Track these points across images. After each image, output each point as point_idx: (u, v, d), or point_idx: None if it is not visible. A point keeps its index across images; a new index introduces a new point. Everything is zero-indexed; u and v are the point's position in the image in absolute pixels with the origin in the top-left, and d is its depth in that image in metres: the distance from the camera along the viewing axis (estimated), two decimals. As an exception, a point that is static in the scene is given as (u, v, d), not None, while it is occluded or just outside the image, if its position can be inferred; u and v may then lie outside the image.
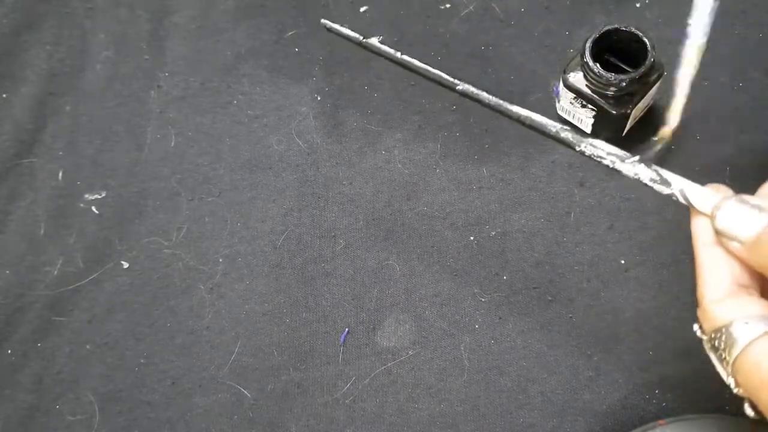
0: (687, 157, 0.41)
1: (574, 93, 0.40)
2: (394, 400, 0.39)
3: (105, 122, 0.49)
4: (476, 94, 0.31)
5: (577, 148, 0.28)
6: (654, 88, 0.39)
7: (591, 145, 0.28)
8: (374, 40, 0.36)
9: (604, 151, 0.27)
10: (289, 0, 0.51)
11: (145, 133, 0.48)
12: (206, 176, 0.46)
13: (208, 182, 0.46)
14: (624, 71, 0.38)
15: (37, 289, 0.44)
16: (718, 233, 0.23)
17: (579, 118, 0.41)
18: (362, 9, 0.50)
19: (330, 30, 0.38)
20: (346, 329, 0.41)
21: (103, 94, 0.50)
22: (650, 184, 0.26)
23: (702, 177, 0.42)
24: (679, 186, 0.25)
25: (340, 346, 0.41)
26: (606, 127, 0.40)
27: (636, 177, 0.26)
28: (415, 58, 0.33)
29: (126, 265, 0.44)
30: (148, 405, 0.41)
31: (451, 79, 0.32)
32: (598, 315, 0.39)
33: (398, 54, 0.34)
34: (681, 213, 0.40)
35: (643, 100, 0.39)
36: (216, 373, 0.41)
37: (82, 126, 0.49)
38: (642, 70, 0.37)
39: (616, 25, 0.38)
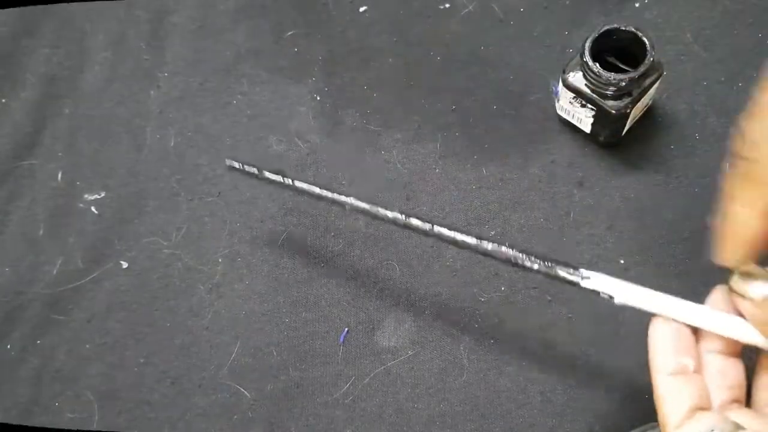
0: (687, 156, 0.41)
1: (574, 92, 0.40)
2: (393, 400, 0.39)
3: (105, 122, 0.49)
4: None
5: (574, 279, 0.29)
6: (653, 88, 0.39)
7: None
8: (271, 176, 0.37)
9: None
10: (289, 0, 0.51)
11: (145, 133, 0.48)
12: (206, 176, 0.46)
13: (208, 182, 0.46)
14: (623, 71, 0.38)
15: (36, 288, 0.45)
16: (731, 290, 0.25)
17: (578, 118, 0.41)
18: (362, 9, 0.50)
19: (233, 168, 0.39)
20: (346, 329, 0.41)
21: (102, 95, 0.50)
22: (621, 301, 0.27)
23: (702, 177, 0.42)
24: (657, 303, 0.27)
25: (340, 345, 0.41)
26: (605, 127, 0.40)
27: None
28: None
29: (125, 264, 0.44)
30: (147, 405, 0.41)
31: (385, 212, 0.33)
32: (598, 315, 0.39)
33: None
34: (680, 213, 0.41)
35: (642, 100, 0.39)
36: (215, 373, 0.41)
37: (82, 127, 0.49)
38: (642, 69, 0.37)
39: (615, 25, 0.38)
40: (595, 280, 0.28)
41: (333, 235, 0.43)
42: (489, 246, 0.30)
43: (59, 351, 0.43)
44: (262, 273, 0.43)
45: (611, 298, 0.27)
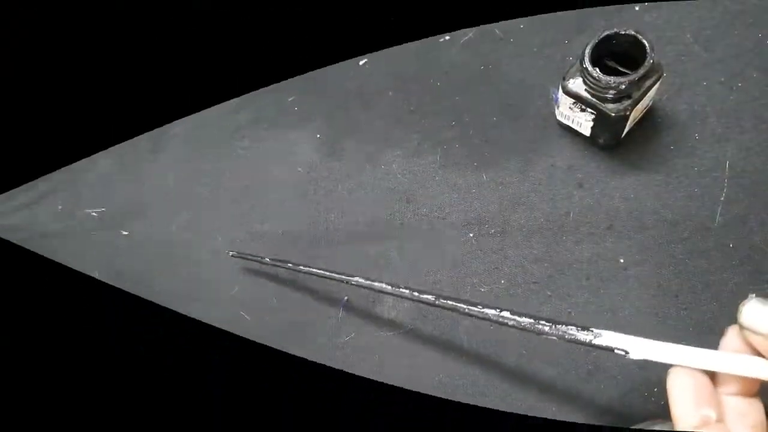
0: (687, 156, 0.42)
1: (574, 98, 0.40)
2: (393, 364, 0.39)
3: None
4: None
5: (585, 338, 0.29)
6: (653, 90, 0.39)
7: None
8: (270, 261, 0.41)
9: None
10: (290, 71, 0.53)
11: (142, 176, 0.51)
12: (205, 197, 0.48)
13: (207, 199, 0.48)
14: (623, 74, 0.38)
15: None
16: (742, 327, 0.25)
17: (578, 122, 0.42)
18: (362, 62, 0.51)
19: (236, 256, 0.43)
20: (345, 297, 0.42)
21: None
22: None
23: (702, 177, 0.42)
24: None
25: (341, 308, 0.41)
26: (605, 130, 0.41)
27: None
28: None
29: (126, 232, 0.47)
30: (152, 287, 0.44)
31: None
32: (597, 312, 0.39)
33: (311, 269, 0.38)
34: (680, 213, 0.41)
35: (642, 102, 0.39)
36: (217, 296, 0.43)
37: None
38: (641, 72, 0.37)
39: (615, 30, 0.38)
40: (607, 337, 0.28)
41: (334, 231, 0.44)
42: (491, 312, 0.31)
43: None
44: (262, 251, 0.44)
45: (626, 353, 0.27)
